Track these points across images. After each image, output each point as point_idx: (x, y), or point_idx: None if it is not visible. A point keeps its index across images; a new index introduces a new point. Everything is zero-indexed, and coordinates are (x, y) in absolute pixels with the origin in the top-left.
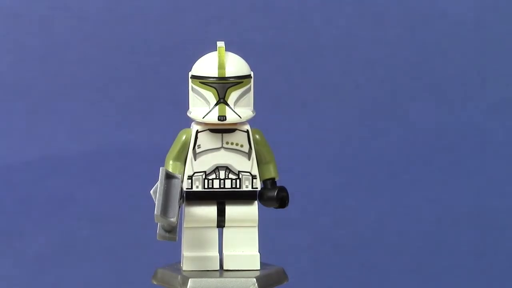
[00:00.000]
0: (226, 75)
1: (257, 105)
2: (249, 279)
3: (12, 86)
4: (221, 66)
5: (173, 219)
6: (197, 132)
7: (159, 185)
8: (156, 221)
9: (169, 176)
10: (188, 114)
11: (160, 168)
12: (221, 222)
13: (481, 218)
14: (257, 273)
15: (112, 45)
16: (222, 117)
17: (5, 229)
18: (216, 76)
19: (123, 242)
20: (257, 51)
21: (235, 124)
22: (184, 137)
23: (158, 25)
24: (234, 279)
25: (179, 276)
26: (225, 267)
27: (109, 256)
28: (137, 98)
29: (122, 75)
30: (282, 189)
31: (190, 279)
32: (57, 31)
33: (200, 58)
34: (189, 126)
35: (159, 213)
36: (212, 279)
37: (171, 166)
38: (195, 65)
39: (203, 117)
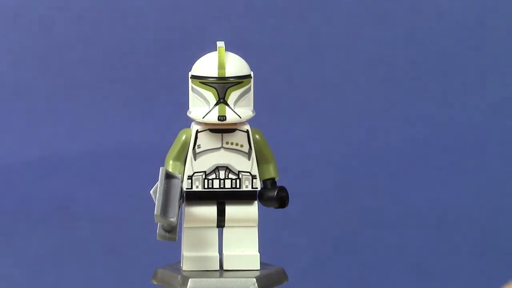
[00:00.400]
0: (226, 75)
1: (257, 105)
2: (249, 279)
3: (12, 86)
4: (221, 66)
5: (173, 219)
6: (197, 132)
7: (159, 185)
8: (156, 221)
9: (169, 176)
10: (188, 114)
11: (160, 168)
12: (221, 222)
13: (481, 218)
14: (257, 273)
15: (112, 45)
16: (222, 117)
17: (5, 229)
18: (216, 76)
19: (123, 242)
20: (257, 51)
21: (235, 124)
22: (184, 137)
23: (158, 25)
24: (234, 279)
25: (179, 276)
26: (225, 267)
27: (109, 256)
28: (137, 98)
29: (122, 75)
30: (282, 189)
31: (190, 279)
32: (57, 31)
33: (200, 58)
34: (189, 126)
35: (159, 213)
36: (212, 279)
37: (171, 166)
38: (195, 65)
39: (203, 117)
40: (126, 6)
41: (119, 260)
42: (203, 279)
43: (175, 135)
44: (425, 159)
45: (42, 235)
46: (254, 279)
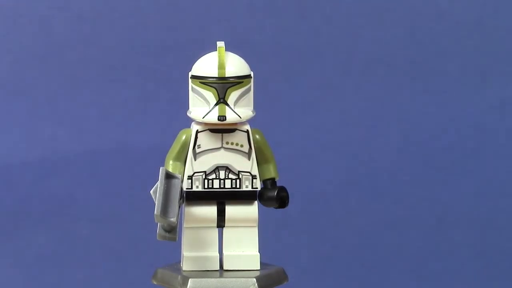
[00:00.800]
0: (226, 75)
1: (257, 105)
2: (249, 279)
3: (12, 86)
4: (221, 66)
5: (173, 219)
6: (197, 132)
7: (159, 185)
8: (156, 221)
9: (169, 176)
10: (188, 114)
11: (160, 168)
12: (221, 222)
13: (481, 218)
14: (257, 273)
15: (112, 45)
16: (222, 117)
17: (5, 229)
18: (216, 76)
19: (123, 242)
20: (257, 51)
21: (235, 124)
22: (184, 137)
23: (158, 25)
24: (234, 279)
25: (179, 276)
26: (225, 267)
27: (109, 256)
28: (137, 98)
29: (122, 75)
30: (282, 189)
31: (190, 279)
32: (57, 31)
33: (200, 58)
34: (189, 126)
35: (159, 213)
36: (212, 279)
37: (171, 166)
38: (195, 65)
39: (203, 117)
40: (126, 6)
41: (119, 260)
42: (203, 279)
43: (175, 135)
44: (425, 159)
45: (42, 235)
46: (254, 279)
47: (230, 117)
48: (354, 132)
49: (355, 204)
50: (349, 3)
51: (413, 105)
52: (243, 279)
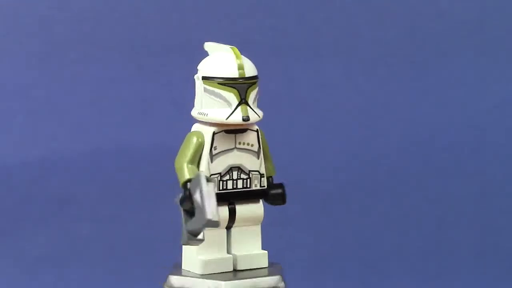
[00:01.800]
0: (246, 75)
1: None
2: (275, 276)
3: (12, 86)
4: (241, 67)
5: (217, 220)
6: (213, 133)
7: (203, 189)
8: (207, 227)
9: (207, 180)
10: (201, 117)
11: (198, 173)
12: (230, 223)
13: (481, 218)
14: (279, 270)
15: (112, 45)
16: (246, 118)
17: (5, 229)
18: (237, 76)
19: (123, 242)
20: (257, 51)
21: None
22: (198, 140)
23: (159, 25)
24: (262, 278)
25: (208, 281)
26: (238, 267)
27: (109, 256)
28: (137, 98)
29: (122, 75)
30: (282, 186)
31: (223, 283)
32: (57, 31)
33: (210, 59)
34: (189, 126)
35: (215, 218)
36: (246, 280)
37: (189, 169)
38: (206, 66)
39: (226, 119)
40: (126, 6)
41: (119, 260)
42: (235, 281)
43: (175, 135)
44: (425, 159)
45: (42, 235)
46: (280, 277)
47: (252, 117)
48: (354, 132)
49: (355, 204)
50: (349, 3)
51: (413, 105)
52: (272, 277)
